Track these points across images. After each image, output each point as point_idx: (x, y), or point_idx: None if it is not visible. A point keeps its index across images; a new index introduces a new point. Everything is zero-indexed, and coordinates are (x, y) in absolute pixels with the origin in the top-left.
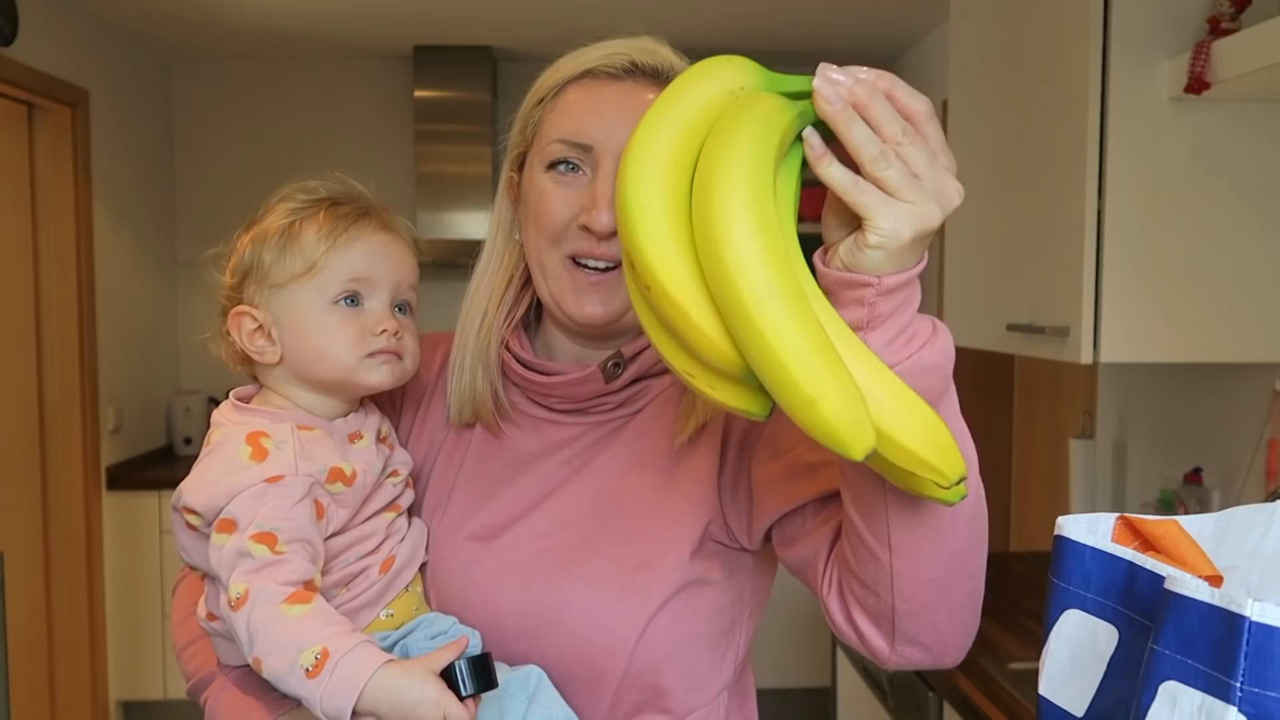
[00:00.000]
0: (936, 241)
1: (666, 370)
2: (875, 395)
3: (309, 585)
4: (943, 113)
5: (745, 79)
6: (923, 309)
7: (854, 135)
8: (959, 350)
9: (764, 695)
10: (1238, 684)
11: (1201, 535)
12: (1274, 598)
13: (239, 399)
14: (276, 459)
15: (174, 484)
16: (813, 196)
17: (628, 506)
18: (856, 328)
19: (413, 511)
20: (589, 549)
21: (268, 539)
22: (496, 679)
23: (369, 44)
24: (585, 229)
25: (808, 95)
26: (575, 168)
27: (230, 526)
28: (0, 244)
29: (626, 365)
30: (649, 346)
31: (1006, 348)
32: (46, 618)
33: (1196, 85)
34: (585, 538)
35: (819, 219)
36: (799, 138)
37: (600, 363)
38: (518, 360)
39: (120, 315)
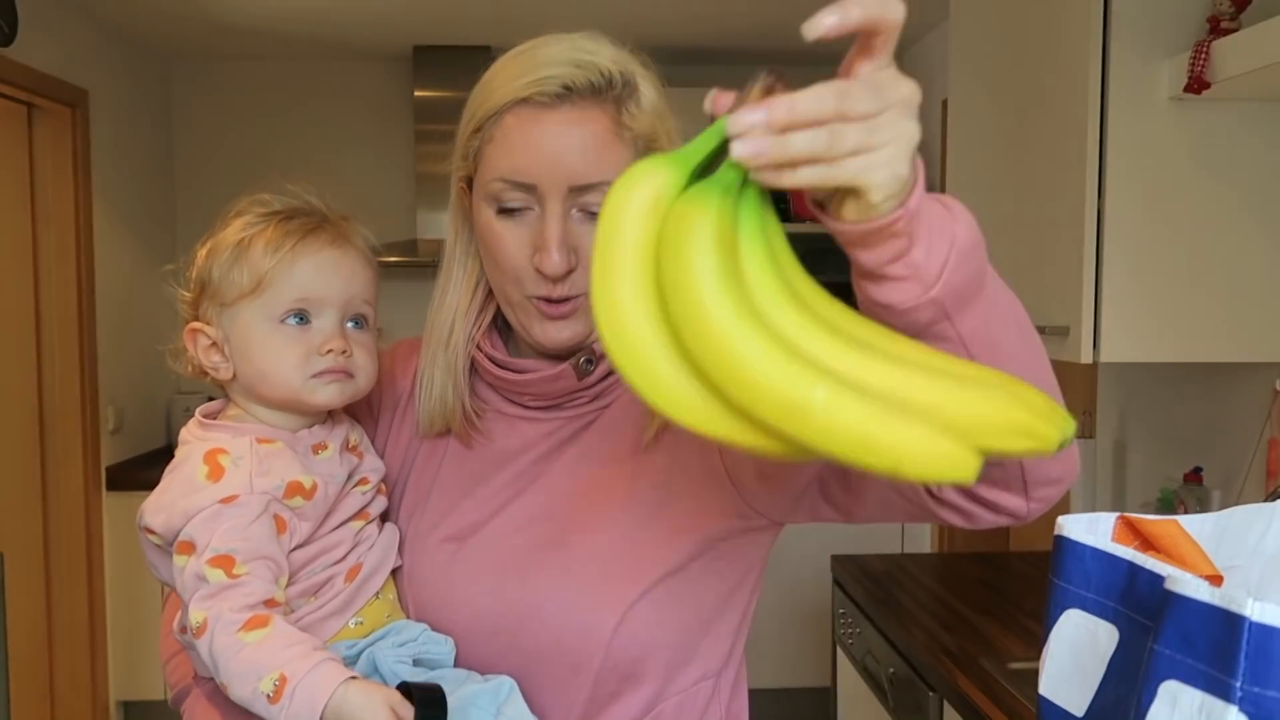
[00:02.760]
0: None
1: None
2: (945, 407)
3: (269, 603)
4: (942, 112)
5: (661, 185)
6: None
7: (799, 151)
8: None
9: (764, 695)
10: (1238, 683)
11: (1201, 535)
12: (1274, 597)
13: (205, 415)
14: (232, 477)
15: None
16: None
17: (602, 498)
18: (901, 254)
19: (386, 517)
20: (564, 542)
21: (224, 562)
22: (445, 714)
23: (369, 44)
24: (540, 271)
25: (724, 144)
26: (523, 208)
27: (189, 548)
28: (0, 244)
29: (598, 361)
30: None
31: None
32: (46, 618)
33: (1196, 85)
34: (560, 530)
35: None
36: (745, 181)
37: (573, 360)
38: (491, 360)
39: (120, 315)
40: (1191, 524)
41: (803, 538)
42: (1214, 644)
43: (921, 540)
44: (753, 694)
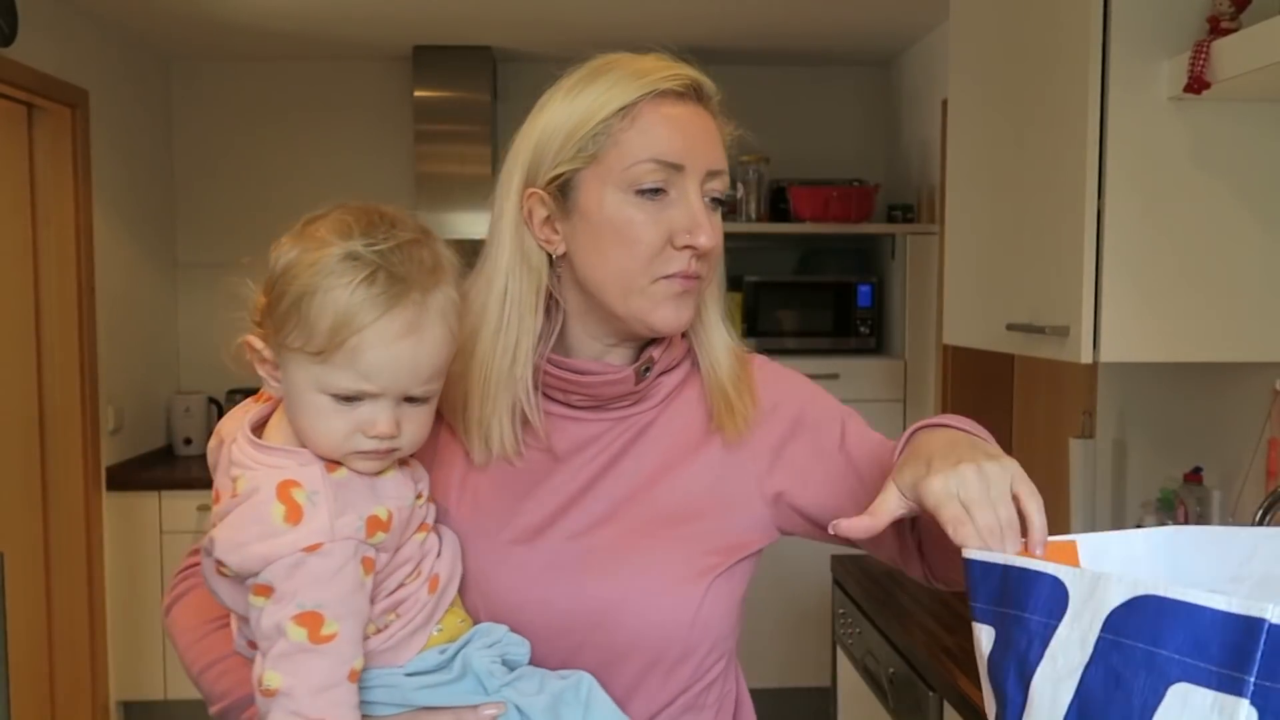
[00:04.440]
0: (937, 241)
1: (678, 365)
2: None
3: (351, 675)
4: (942, 113)
5: None
6: (923, 309)
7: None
8: (959, 350)
9: (764, 695)
10: (1251, 679)
11: (1132, 554)
12: None
13: (254, 427)
14: (311, 521)
15: (174, 484)
16: (812, 195)
17: (665, 498)
18: None
19: (439, 522)
20: (635, 543)
21: (311, 620)
22: None
23: (369, 44)
24: (688, 248)
25: None
26: (661, 190)
27: (267, 591)
28: (0, 244)
29: (654, 369)
30: (667, 345)
31: (1006, 348)
32: (46, 618)
33: (1196, 85)
34: (629, 532)
35: (818, 218)
36: None
37: (636, 366)
38: (551, 362)
39: (120, 315)
40: (1113, 541)
41: (802, 538)
42: (1231, 647)
43: None
44: (753, 694)
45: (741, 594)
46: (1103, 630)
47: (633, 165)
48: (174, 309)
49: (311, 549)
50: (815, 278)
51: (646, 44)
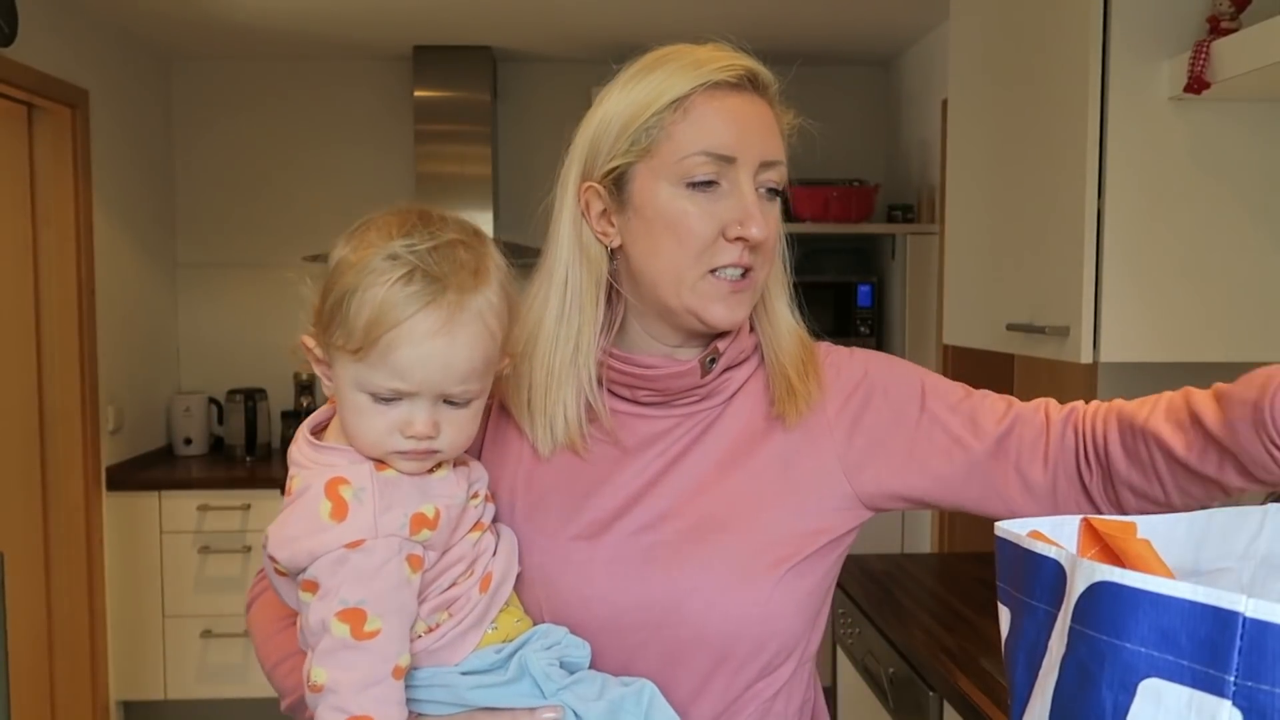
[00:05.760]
0: (937, 241)
1: (747, 360)
2: None
3: (395, 671)
4: (943, 113)
5: None
6: (923, 309)
7: None
8: (959, 350)
9: None
10: (1231, 678)
11: (1174, 537)
12: (1270, 598)
13: (313, 430)
14: (356, 517)
15: (174, 484)
16: (812, 195)
17: (733, 491)
18: None
19: (497, 521)
20: (701, 537)
21: (353, 616)
22: None
23: (369, 44)
24: (740, 240)
25: None
26: (713, 182)
27: (314, 587)
28: (0, 244)
29: (719, 360)
30: (734, 339)
31: (1006, 348)
32: (46, 618)
33: (1196, 85)
34: (695, 526)
35: (818, 218)
36: None
37: (700, 358)
38: (614, 357)
39: (120, 315)
40: (1161, 525)
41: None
42: (1201, 641)
43: (921, 540)
44: None
45: (822, 590)
46: (1072, 620)
47: (684, 158)
48: (174, 309)
49: (354, 545)
50: (815, 277)
51: (654, 42)
